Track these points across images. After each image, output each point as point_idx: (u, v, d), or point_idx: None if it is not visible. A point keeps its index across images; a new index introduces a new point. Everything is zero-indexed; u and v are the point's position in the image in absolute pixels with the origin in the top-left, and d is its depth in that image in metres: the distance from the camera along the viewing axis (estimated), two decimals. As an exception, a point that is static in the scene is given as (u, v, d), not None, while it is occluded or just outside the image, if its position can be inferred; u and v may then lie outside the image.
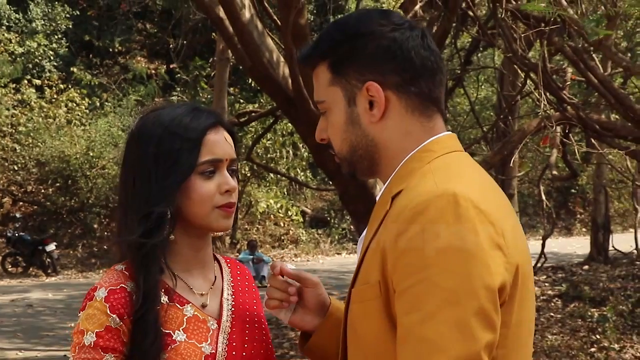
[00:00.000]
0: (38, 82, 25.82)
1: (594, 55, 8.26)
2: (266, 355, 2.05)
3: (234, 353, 1.97)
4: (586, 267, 18.06)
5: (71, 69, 26.84)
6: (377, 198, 1.76)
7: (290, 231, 26.36)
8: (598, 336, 10.48)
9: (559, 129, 9.39)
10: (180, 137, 1.93)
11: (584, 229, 30.54)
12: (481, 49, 16.17)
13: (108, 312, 1.85)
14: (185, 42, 25.22)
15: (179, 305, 1.95)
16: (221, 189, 1.96)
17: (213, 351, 1.94)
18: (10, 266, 20.49)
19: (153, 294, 1.88)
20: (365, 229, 1.75)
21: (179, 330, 1.92)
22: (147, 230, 1.91)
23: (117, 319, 1.85)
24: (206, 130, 1.96)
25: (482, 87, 21.23)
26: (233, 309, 2.05)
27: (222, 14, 7.57)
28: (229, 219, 1.99)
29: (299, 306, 2.00)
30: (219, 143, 1.98)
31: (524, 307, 1.62)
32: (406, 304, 1.52)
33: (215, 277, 2.09)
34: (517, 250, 1.60)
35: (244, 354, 1.99)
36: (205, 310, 2.00)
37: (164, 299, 1.93)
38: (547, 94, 7.89)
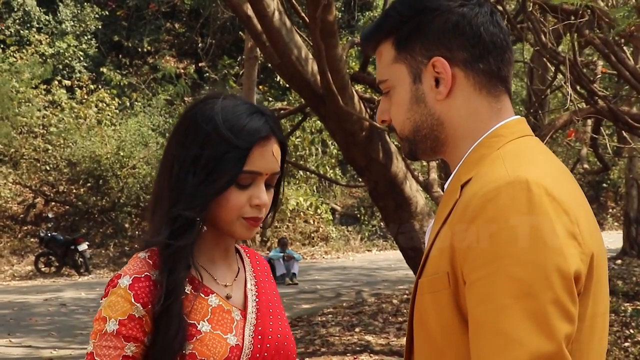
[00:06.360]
0: (68, 82, 26.05)
1: (624, 47, 8.18)
2: (288, 347, 2.02)
3: (259, 346, 1.94)
4: (619, 261, 17.96)
5: (101, 69, 27.10)
6: (445, 186, 1.69)
7: (320, 228, 26.34)
8: (632, 330, 10.41)
9: (590, 122, 9.32)
10: (228, 143, 1.87)
11: (616, 223, 30.34)
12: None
13: (132, 300, 1.82)
14: (213, 41, 25.32)
15: (203, 295, 1.92)
16: (252, 202, 1.91)
17: (239, 343, 1.90)
18: (43, 266, 20.66)
19: (177, 288, 1.85)
20: (432, 221, 1.69)
21: (204, 321, 1.88)
22: (174, 232, 1.87)
23: (141, 308, 1.82)
24: (257, 141, 1.89)
25: (512, 82, 21.10)
26: (257, 299, 2.02)
27: (250, 12, 7.57)
28: (253, 230, 1.95)
29: None
30: (265, 156, 1.91)
31: (598, 300, 1.55)
32: (478, 296, 1.45)
33: (239, 268, 2.06)
34: (592, 239, 1.52)
35: (268, 345, 1.96)
36: (230, 301, 1.97)
37: (188, 288, 1.90)
38: (578, 87, 7.83)
